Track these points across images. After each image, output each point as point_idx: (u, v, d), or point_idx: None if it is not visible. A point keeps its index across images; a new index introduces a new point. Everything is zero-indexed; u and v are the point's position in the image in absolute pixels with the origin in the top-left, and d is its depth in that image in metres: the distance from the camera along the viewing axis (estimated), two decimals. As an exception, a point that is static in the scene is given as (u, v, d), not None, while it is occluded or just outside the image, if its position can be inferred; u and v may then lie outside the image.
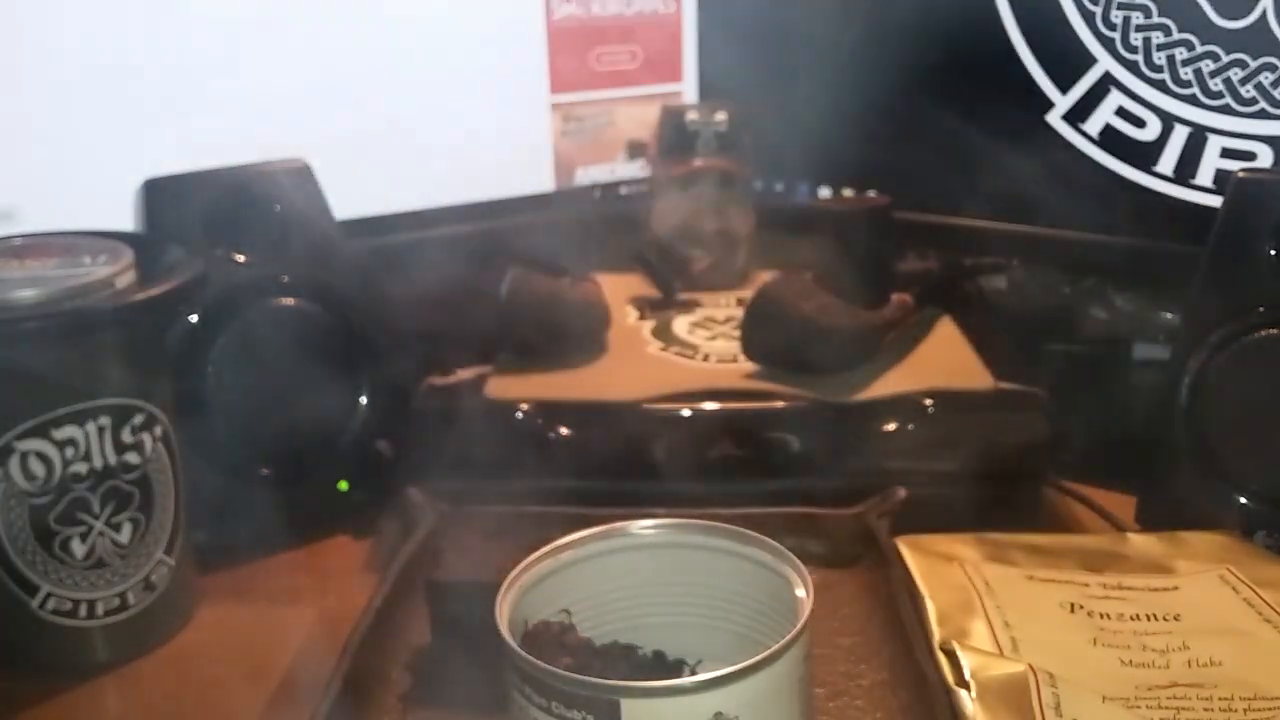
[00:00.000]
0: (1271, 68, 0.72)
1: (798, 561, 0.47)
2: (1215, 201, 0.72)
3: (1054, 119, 0.81)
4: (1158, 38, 0.76)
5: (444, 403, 0.74)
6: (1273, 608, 0.57)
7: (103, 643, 0.62)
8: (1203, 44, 0.74)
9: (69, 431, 0.59)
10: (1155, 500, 0.70)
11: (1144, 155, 0.78)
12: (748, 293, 0.78)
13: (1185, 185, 0.77)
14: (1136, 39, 0.77)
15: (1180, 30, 0.75)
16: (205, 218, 0.71)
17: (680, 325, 0.85)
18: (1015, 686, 0.50)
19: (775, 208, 0.96)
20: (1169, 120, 0.77)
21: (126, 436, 0.61)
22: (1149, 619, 0.57)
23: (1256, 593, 0.59)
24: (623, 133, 0.98)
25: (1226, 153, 0.75)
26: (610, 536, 0.51)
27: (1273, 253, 0.66)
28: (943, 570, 0.61)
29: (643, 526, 0.51)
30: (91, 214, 0.69)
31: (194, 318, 0.69)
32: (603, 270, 0.88)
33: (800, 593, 0.46)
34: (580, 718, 0.41)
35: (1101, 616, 0.58)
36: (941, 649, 0.54)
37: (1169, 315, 0.88)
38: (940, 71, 0.86)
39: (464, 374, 0.76)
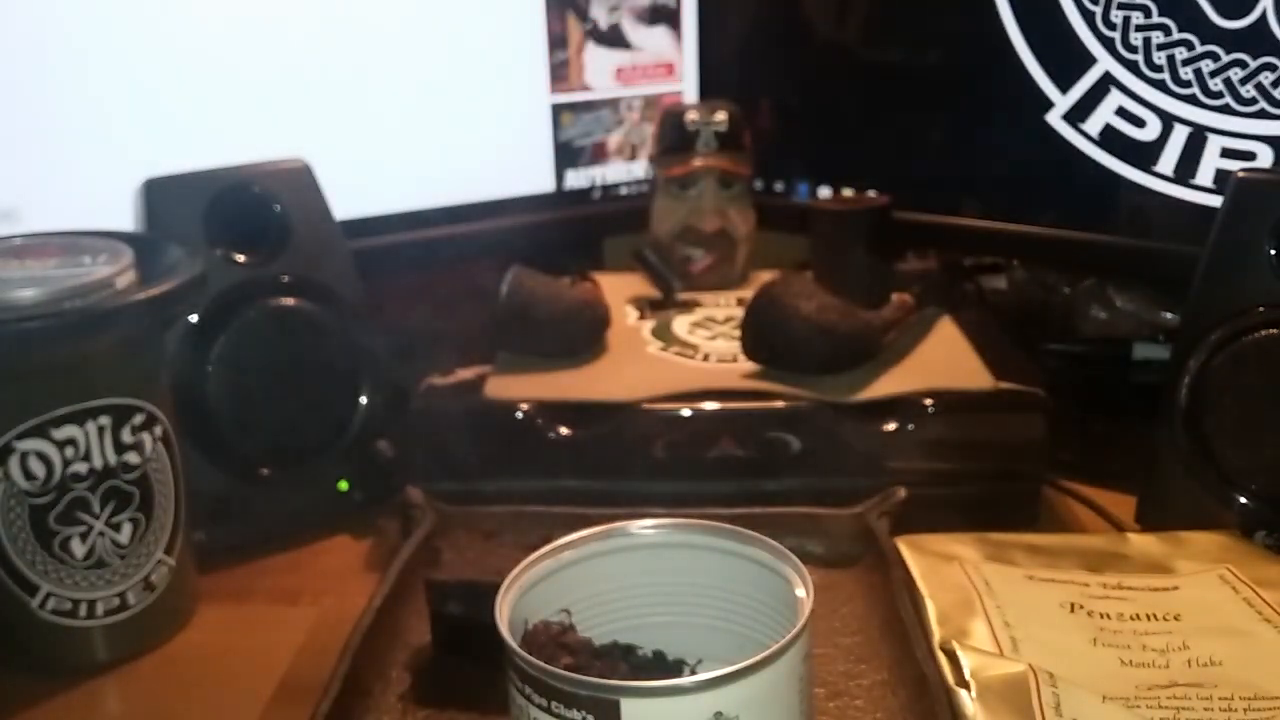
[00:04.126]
0: (1271, 68, 0.72)
1: (798, 561, 0.47)
2: (1215, 201, 0.72)
3: (1054, 119, 0.81)
4: (1158, 37, 0.76)
5: (444, 403, 0.74)
6: (1273, 608, 0.57)
7: (102, 643, 0.62)
8: (1203, 44, 0.74)
9: (69, 431, 0.59)
10: (1155, 500, 0.70)
11: (1144, 155, 0.78)
12: (748, 293, 0.78)
13: (1185, 185, 0.77)
14: (1136, 39, 0.76)
15: (1180, 30, 0.75)
16: (205, 218, 0.71)
17: (680, 325, 0.85)
18: (1015, 686, 0.50)
19: (775, 208, 0.96)
20: (1169, 120, 0.77)
21: (126, 436, 0.61)
22: (1149, 619, 0.57)
23: (1256, 592, 0.59)
24: (623, 133, 0.98)
25: (1226, 153, 0.75)
26: (610, 536, 0.51)
27: (1273, 253, 0.66)
28: (943, 570, 0.61)
29: (643, 526, 0.51)
30: (91, 214, 0.69)
31: (194, 318, 0.69)
32: (602, 270, 0.88)
33: (800, 593, 0.46)
34: (580, 718, 0.41)
35: (1101, 616, 0.58)
36: (941, 649, 0.54)
37: (1169, 315, 0.88)
38: (940, 71, 0.86)
39: (464, 374, 0.76)
